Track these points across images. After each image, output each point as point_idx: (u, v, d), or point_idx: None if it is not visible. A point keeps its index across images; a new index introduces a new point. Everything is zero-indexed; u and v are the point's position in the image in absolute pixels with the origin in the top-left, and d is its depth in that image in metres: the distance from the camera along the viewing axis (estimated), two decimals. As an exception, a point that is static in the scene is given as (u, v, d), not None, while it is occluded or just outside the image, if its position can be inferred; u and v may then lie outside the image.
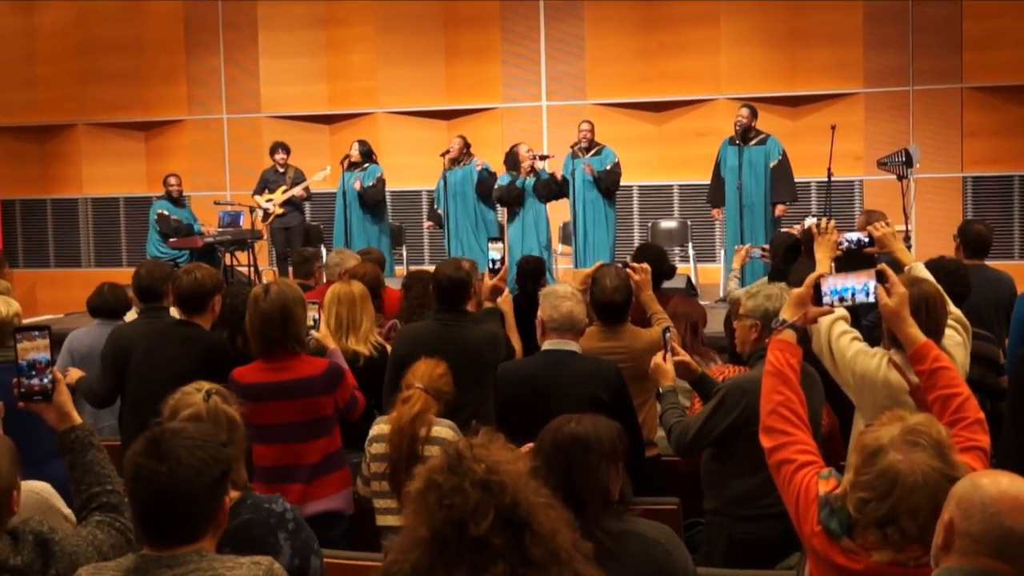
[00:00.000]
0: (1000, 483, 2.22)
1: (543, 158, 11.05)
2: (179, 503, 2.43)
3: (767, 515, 4.14)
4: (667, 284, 10.00)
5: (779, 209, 10.74)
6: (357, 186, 11.49)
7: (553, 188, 10.95)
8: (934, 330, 3.83)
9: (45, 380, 3.03)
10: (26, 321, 5.96)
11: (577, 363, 4.62)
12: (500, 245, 6.20)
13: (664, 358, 4.49)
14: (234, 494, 3.03)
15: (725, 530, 4.27)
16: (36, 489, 3.38)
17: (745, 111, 10.78)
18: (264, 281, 11.43)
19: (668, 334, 4.65)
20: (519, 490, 2.16)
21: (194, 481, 2.44)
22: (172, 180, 12.20)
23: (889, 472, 2.44)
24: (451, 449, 2.21)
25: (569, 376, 4.53)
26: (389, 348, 5.49)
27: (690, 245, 12.08)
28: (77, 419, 3.05)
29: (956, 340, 4.00)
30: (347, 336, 5.29)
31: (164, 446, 2.46)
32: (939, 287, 3.97)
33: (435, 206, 11.69)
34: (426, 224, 12.21)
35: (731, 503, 4.29)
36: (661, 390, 4.55)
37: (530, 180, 10.96)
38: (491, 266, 5.93)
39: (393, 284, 7.71)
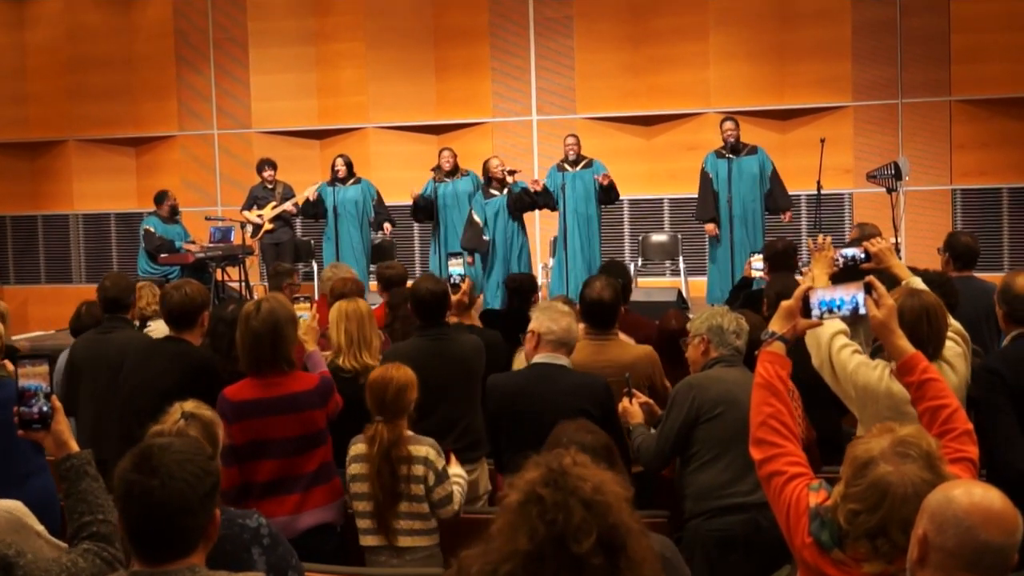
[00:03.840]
0: (973, 495, 2.23)
1: (511, 172, 11.00)
2: (173, 517, 2.43)
3: (734, 506, 4.26)
4: (660, 298, 10.13)
5: (787, 216, 10.91)
6: (387, 229, 11.59)
7: (525, 200, 10.96)
8: (936, 341, 3.86)
9: (44, 408, 3.03)
10: (17, 338, 6.00)
11: (567, 377, 4.64)
12: (460, 260, 6.21)
13: (630, 402, 4.70)
14: None
15: (700, 532, 4.33)
16: (8, 508, 3.36)
17: (730, 124, 10.80)
18: (255, 297, 11.46)
19: (629, 377, 4.80)
20: (621, 513, 2.14)
21: (187, 494, 2.43)
22: (170, 196, 12.17)
23: (880, 484, 2.45)
24: (554, 464, 2.16)
25: (558, 390, 4.56)
26: None
27: (680, 259, 12.10)
28: (74, 447, 3.03)
29: (957, 351, 4.02)
30: (360, 352, 5.29)
31: (154, 461, 2.45)
32: (939, 299, 3.99)
33: (424, 196, 11.44)
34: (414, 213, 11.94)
35: (699, 499, 4.38)
36: (631, 428, 4.67)
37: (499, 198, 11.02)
38: (452, 281, 5.92)
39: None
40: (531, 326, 4.75)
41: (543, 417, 4.41)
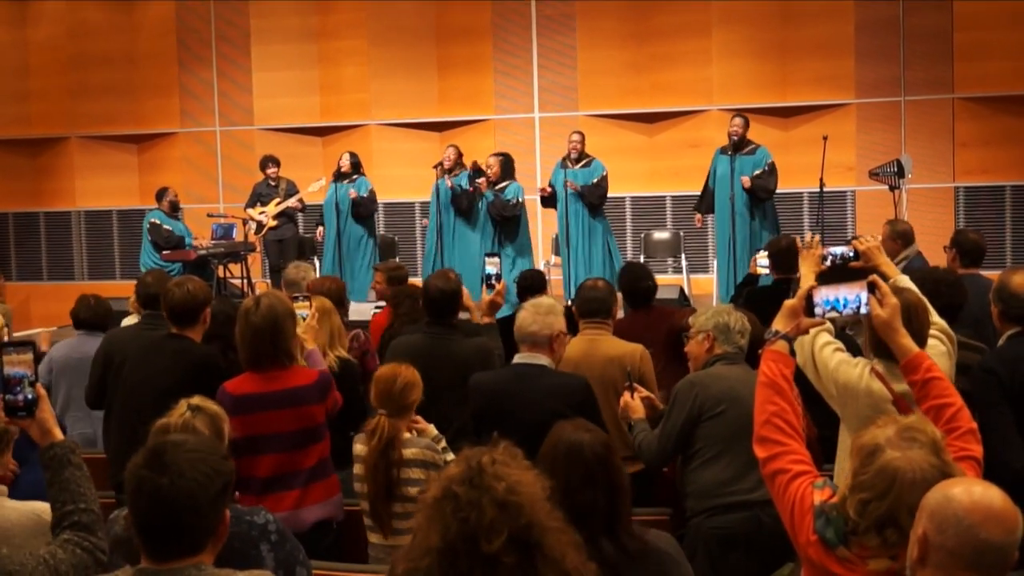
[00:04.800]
0: (973, 493, 2.21)
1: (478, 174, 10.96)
2: (181, 515, 2.42)
3: (737, 504, 4.27)
4: (663, 295, 10.11)
5: (744, 180, 10.49)
6: (353, 194, 11.49)
7: (491, 211, 10.96)
8: (918, 340, 3.84)
9: (29, 395, 3.02)
10: (18, 335, 6.01)
11: (545, 378, 4.62)
12: (496, 260, 6.21)
13: (632, 396, 4.68)
14: None
15: (702, 530, 4.33)
16: (37, 511, 3.36)
17: (739, 121, 10.79)
18: (255, 293, 11.47)
19: (631, 372, 4.82)
20: (535, 513, 2.17)
21: (197, 493, 2.43)
22: (171, 192, 12.18)
23: (887, 469, 2.44)
24: (473, 461, 2.20)
25: (535, 391, 4.55)
26: (354, 360, 5.51)
27: (683, 256, 12.10)
28: (59, 436, 3.02)
29: (940, 350, 4.01)
30: (336, 346, 5.37)
31: (166, 458, 2.45)
32: (922, 296, 3.99)
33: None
34: (422, 221, 11.95)
35: (701, 497, 4.37)
36: (632, 423, 4.67)
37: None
38: (487, 281, 5.93)
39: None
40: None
41: (519, 417, 4.42)
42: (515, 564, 2.12)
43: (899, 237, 7.39)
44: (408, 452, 4.38)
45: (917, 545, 2.24)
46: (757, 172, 10.59)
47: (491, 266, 6.07)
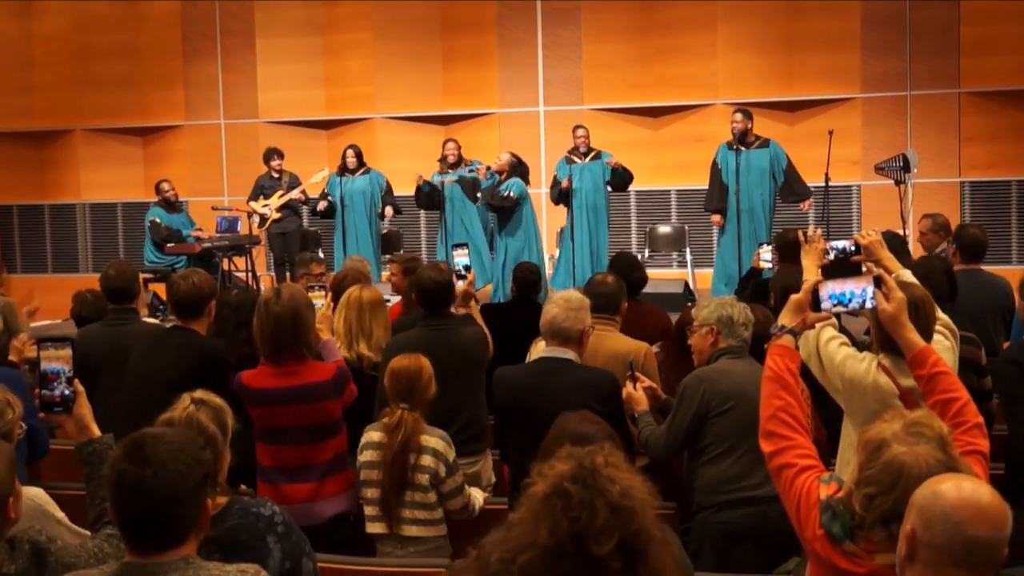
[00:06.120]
0: (962, 490, 2.20)
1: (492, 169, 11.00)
2: (164, 507, 2.42)
3: (744, 499, 4.28)
4: (667, 289, 10.12)
5: (806, 204, 10.96)
6: (389, 212, 11.67)
7: (484, 199, 11.02)
8: (923, 335, 3.84)
9: (66, 391, 3.01)
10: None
11: (571, 372, 4.61)
12: (465, 251, 6.22)
13: (635, 387, 4.69)
14: (220, 500, 3.03)
15: (709, 525, 4.33)
16: (31, 495, 3.38)
17: (739, 115, 10.75)
18: (262, 287, 11.48)
19: (633, 362, 4.81)
20: (644, 520, 2.12)
21: (178, 485, 2.42)
22: (165, 186, 12.20)
23: (894, 464, 2.43)
24: (586, 461, 2.13)
25: (560, 385, 4.54)
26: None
27: (688, 250, 12.08)
28: (96, 432, 3.03)
29: (944, 345, 4.00)
30: (357, 342, 5.38)
31: (147, 450, 2.44)
32: (927, 292, 3.98)
33: (429, 183, 11.43)
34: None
35: (708, 493, 4.38)
36: (636, 415, 4.66)
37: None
38: (458, 272, 5.94)
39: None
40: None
41: (546, 411, 4.40)
42: (619, 570, 2.07)
43: (940, 229, 7.50)
44: (423, 440, 4.40)
45: (905, 541, 2.23)
46: (785, 166, 10.74)
47: (460, 257, 6.08)
